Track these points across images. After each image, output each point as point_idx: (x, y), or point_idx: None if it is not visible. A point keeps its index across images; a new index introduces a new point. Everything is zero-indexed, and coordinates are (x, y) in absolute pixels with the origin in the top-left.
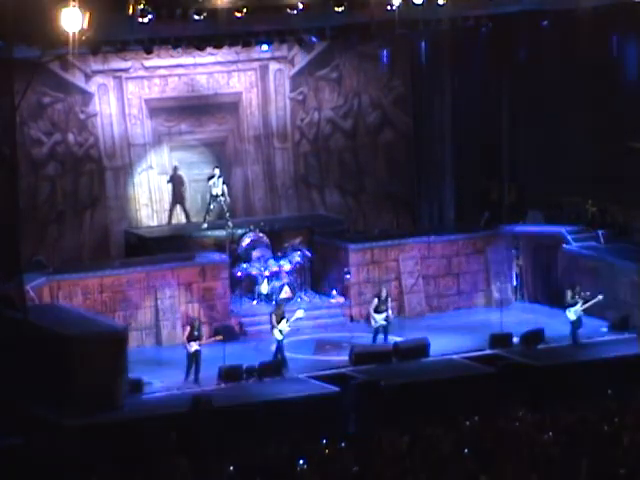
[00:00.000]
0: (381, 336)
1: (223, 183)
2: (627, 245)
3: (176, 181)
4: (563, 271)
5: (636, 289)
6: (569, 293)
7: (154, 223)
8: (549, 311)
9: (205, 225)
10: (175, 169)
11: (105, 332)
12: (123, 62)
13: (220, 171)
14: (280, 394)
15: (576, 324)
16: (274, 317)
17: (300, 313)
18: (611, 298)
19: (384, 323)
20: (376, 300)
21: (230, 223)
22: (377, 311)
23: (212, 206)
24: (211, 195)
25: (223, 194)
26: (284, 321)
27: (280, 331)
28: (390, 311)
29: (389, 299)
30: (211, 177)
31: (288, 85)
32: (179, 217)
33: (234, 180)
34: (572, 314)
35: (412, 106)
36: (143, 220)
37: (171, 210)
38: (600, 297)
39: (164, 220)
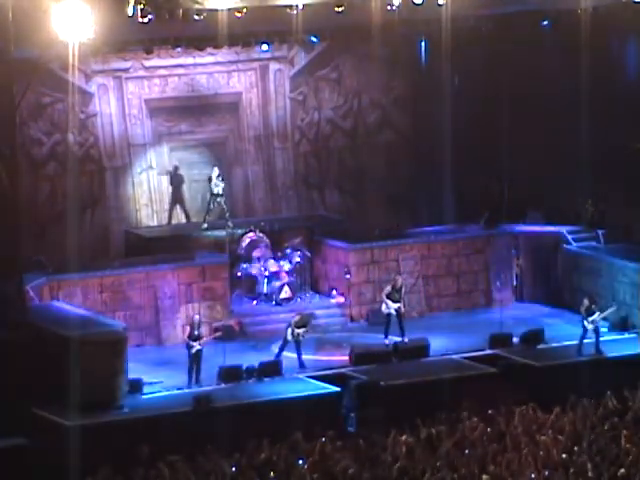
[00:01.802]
0: (393, 337)
1: (222, 181)
2: (627, 245)
3: (176, 181)
4: (563, 271)
5: (636, 289)
6: (586, 302)
7: (154, 223)
8: (549, 311)
9: (205, 225)
10: (176, 169)
11: (105, 332)
12: (123, 62)
13: (219, 170)
14: (280, 394)
15: (596, 333)
16: (299, 318)
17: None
18: (611, 298)
19: (394, 312)
20: (389, 287)
21: (230, 223)
22: (389, 299)
23: (212, 206)
24: (211, 195)
25: (223, 194)
26: (304, 329)
27: (292, 334)
28: (403, 303)
29: (403, 290)
30: (210, 177)
31: (288, 85)
32: (179, 217)
33: (234, 180)
34: (590, 324)
35: (412, 106)
36: (143, 220)
37: (171, 210)
38: (614, 306)
39: (164, 220)
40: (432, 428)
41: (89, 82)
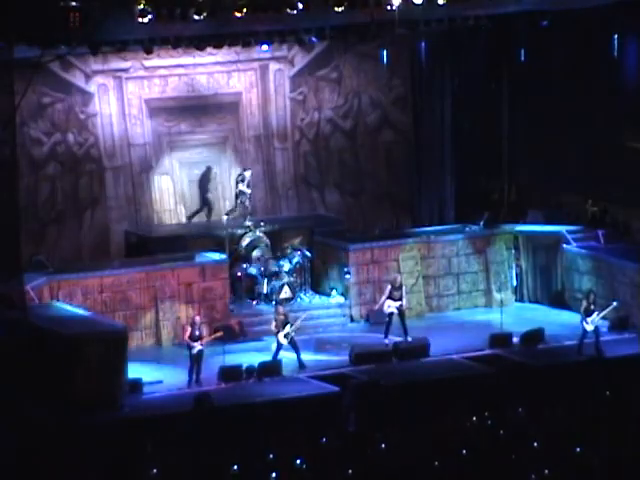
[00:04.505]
0: (393, 337)
1: (242, 182)
2: (627, 245)
3: (205, 181)
4: (563, 271)
5: (636, 289)
6: (584, 303)
7: (154, 223)
8: (549, 311)
9: (225, 217)
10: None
11: (105, 332)
12: (123, 62)
13: (242, 171)
14: (280, 394)
15: (595, 333)
16: (277, 321)
17: (298, 323)
18: (611, 298)
19: (396, 311)
20: (389, 287)
21: (249, 222)
22: (390, 298)
23: (240, 201)
24: (240, 192)
25: (240, 194)
26: (288, 326)
27: (285, 336)
28: (404, 300)
29: (403, 287)
30: (239, 177)
31: (288, 85)
32: (179, 217)
33: (234, 180)
34: (590, 325)
35: (412, 106)
36: (143, 220)
37: (200, 211)
38: (614, 304)
39: (164, 220)
40: (432, 428)
41: (89, 82)
